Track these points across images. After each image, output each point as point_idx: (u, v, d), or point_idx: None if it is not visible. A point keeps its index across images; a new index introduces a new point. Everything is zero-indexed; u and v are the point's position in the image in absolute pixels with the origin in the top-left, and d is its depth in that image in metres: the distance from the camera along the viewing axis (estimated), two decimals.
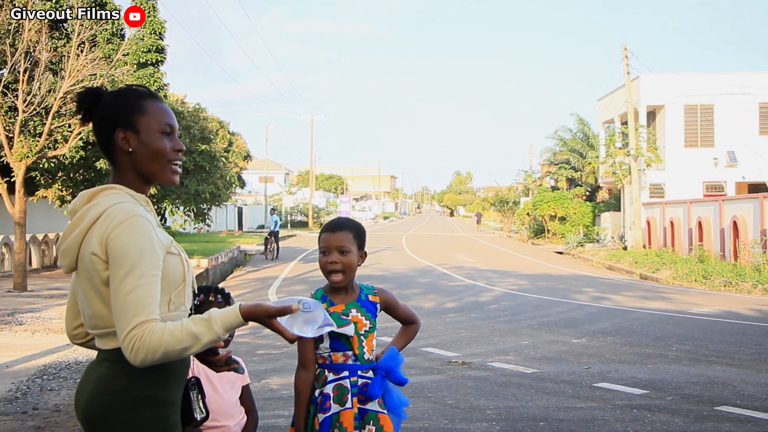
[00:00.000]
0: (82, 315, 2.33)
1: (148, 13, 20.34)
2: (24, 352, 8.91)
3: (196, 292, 3.44)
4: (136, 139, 2.33)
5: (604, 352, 9.50)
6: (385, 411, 3.09)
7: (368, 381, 3.09)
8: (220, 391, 3.59)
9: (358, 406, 3.04)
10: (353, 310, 3.10)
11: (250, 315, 2.21)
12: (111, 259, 2.16)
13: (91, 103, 2.37)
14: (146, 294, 2.12)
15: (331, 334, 3.03)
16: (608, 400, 7.01)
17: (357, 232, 3.16)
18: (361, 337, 3.09)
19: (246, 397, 3.76)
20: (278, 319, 2.26)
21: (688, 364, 8.80)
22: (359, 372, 3.08)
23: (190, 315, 2.32)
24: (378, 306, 3.19)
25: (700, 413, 6.55)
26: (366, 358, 3.10)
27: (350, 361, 3.07)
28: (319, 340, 3.09)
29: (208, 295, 3.51)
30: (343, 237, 3.10)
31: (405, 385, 3.16)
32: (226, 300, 3.56)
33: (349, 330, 3.06)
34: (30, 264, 20.13)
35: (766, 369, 8.55)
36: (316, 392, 3.08)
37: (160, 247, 2.22)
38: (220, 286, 3.97)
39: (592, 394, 7.26)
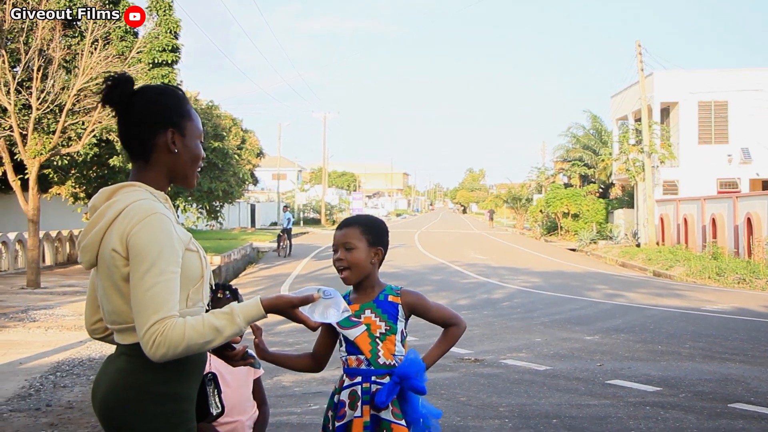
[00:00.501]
0: (102, 310, 2.36)
1: (164, 12, 20.32)
2: (37, 349, 8.96)
3: (213, 288, 3.47)
4: (181, 141, 2.38)
5: (617, 350, 9.48)
6: (402, 422, 2.86)
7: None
8: (233, 387, 3.60)
9: (372, 413, 2.87)
10: (367, 311, 2.97)
11: (272, 307, 2.26)
12: (131, 255, 2.18)
13: (123, 91, 2.35)
14: (166, 290, 2.14)
15: (345, 336, 2.97)
16: (621, 397, 7.00)
17: (367, 227, 3.03)
18: (376, 340, 2.93)
19: (258, 390, 3.78)
20: (299, 308, 2.29)
21: (702, 361, 8.76)
22: (373, 378, 2.91)
23: (206, 311, 2.33)
24: (399, 308, 2.99)
25: (714, 410, 6.52)
26: (381, 362, 2.92)
27: (363, 366, 2.93)
28: (339, 344, 3.03)
29: (217, 292, 3.54)
30: (349, 233, 3.01)
31: (425, 394, 2.93)
32: (234, 296, 3.59)
33: (354, 332, 2.95)
34: (43, 261, 20.26)
35: None
36: (335, 398, 2.99)
37: (180, 244, 2.24)
38: (231, 283, 4.00)
39: (605, 391, 7.25)
